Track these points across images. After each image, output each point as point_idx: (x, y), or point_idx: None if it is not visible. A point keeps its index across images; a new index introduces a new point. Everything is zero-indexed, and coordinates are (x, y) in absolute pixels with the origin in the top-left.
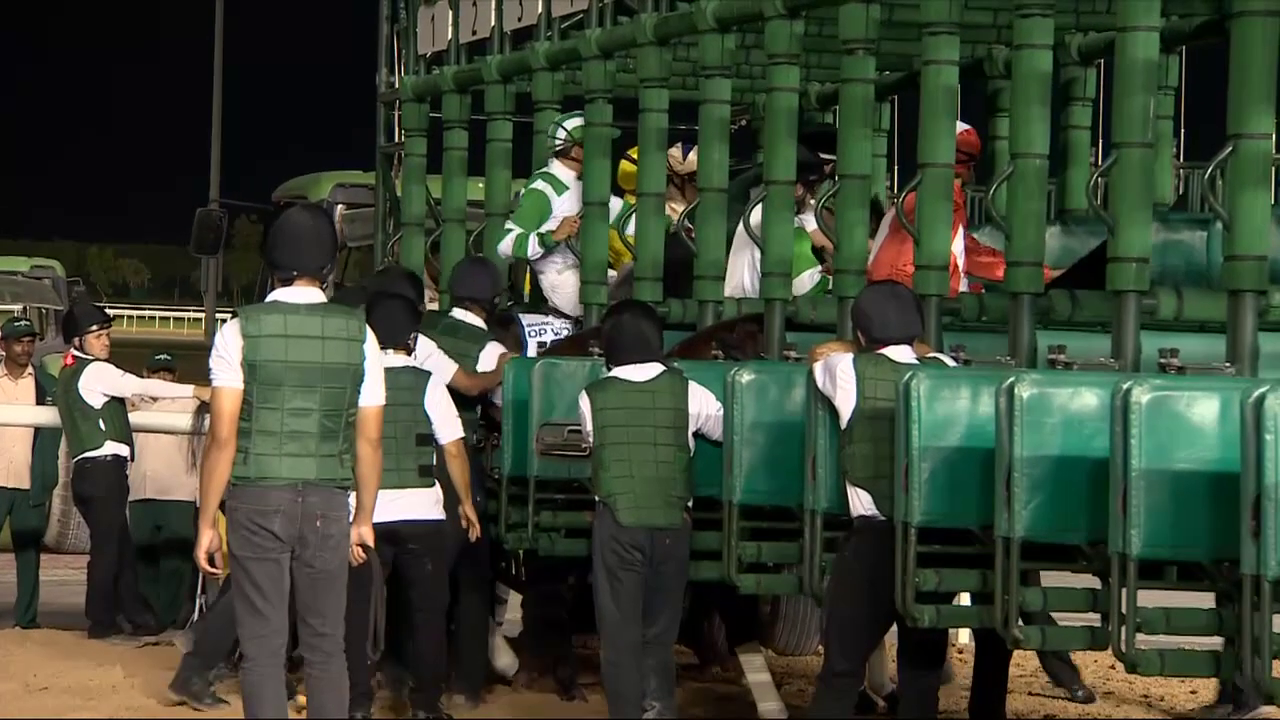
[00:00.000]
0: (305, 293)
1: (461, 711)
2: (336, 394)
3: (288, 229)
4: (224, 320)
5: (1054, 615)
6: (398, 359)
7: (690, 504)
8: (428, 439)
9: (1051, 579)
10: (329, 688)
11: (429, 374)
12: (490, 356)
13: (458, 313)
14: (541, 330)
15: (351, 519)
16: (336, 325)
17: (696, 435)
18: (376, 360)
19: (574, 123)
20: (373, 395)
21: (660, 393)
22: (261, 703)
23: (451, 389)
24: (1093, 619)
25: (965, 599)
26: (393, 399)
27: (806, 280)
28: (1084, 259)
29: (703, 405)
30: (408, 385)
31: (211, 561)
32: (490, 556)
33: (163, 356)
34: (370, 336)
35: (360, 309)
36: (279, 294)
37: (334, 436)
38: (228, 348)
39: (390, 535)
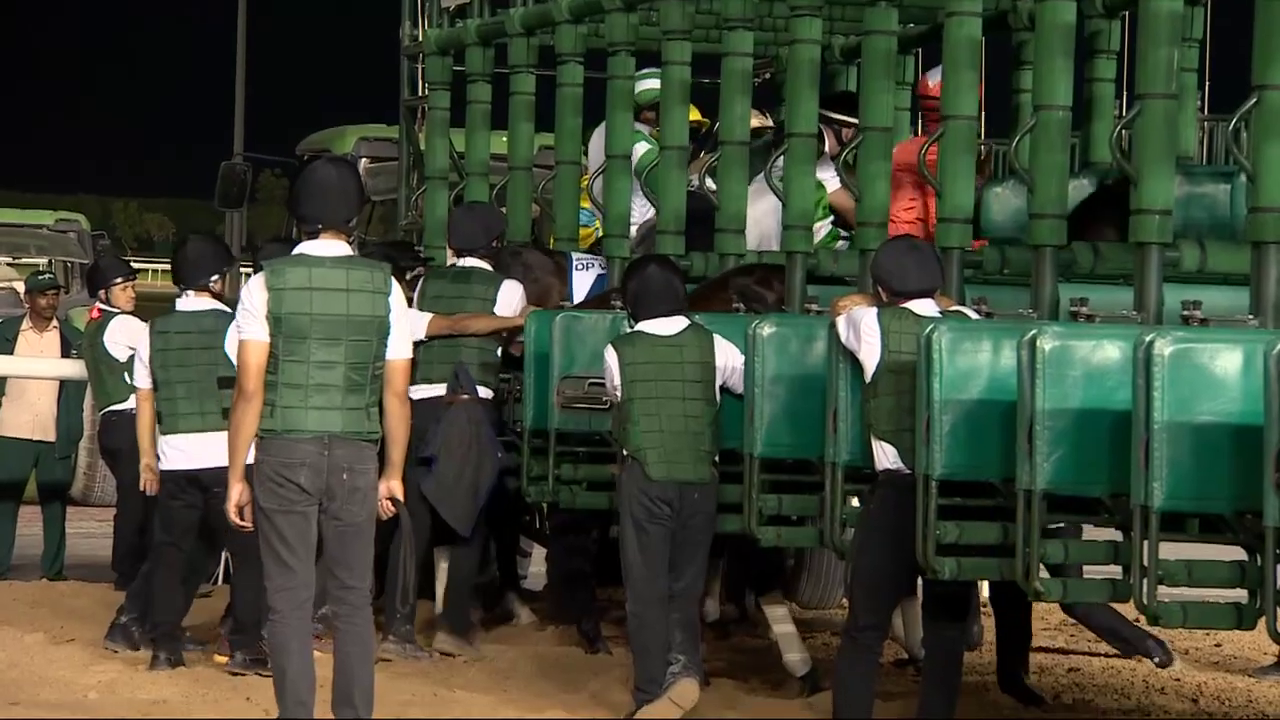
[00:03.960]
0: (331, 245)
1: (447, 647)
2: (362, 346)
3: (313, 182)
4: (248, 274)
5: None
6: (200, 301)
7: (717, 458)
8: (230, 381)
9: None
10: (355, 641)
11: (232, 316)
12: (508, 294)
13: (465, 261)
14: (589, 264)
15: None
16: (361, 278)
17: (721, 389)
18: (403, 313)
19: (643, 85)
20: (400, 348)
21: (688, 347)
22: (288, 655)
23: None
24: (1114, 571)
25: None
26: (193, 342)
27: (817, 231)
28: (1082, 205)
29: (728, 358)
30: (209, 329)
31: (242, 515)
32: (504, 510)
33: None
34: (396, 289)
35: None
36: (304, 247)
37: (360, 389)
38: (253, 301)
39: (195, 480)
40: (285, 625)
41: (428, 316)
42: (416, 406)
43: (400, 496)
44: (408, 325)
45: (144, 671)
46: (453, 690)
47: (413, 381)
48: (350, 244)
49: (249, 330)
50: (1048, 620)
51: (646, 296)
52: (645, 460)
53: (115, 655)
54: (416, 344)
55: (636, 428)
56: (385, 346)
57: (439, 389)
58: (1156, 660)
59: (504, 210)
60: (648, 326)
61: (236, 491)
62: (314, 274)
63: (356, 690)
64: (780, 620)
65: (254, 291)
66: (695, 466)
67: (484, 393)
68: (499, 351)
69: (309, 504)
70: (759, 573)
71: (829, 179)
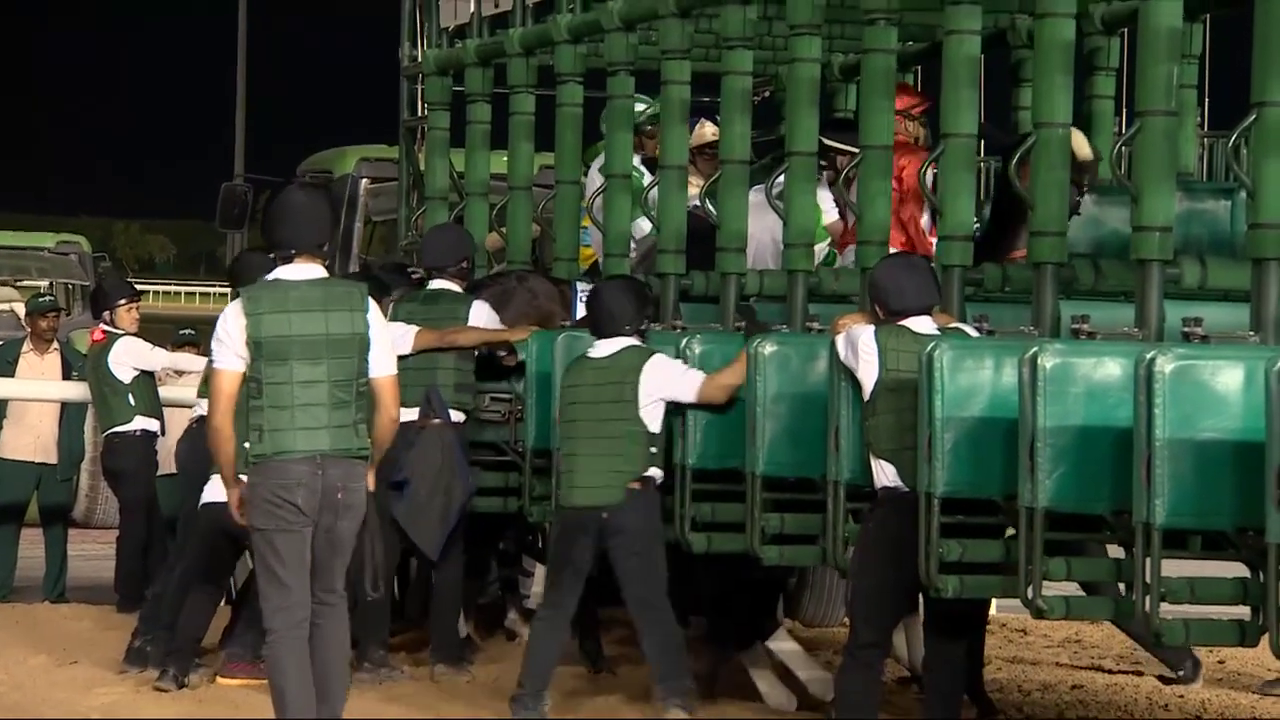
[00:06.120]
0: (306, 269)
1: (446, 677)
2: (344, 364)
3: (286, 208)
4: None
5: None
6: None
7: (649, 474)
8: None
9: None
10: (332, 639)
11: None
12: (477, 314)
13: (435, 283)
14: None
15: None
16: (338, 296)
17: (677, 406)
18: (382, 329)
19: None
20: (384, 365)
21: (612, 369)
22: (285, 674)
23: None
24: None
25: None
26: None
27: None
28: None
29: (663, 378)
30: None
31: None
32: (501, 530)
33: (187, 331)
34: (374, 306)
35: (363, 283)
36: (280, 271)
37: (346, 406)
38: (229, 331)
39: None
40: (282, 644)
41: (414, 330)
42: None
43: (372, 488)
44: (389, 341)
45: (146, 693)
46: (455, 709)
47: None
48: (325, 266)
49: (222, 360)
50: (1050, 637)
51: (596, 318)
52: (562, 485)
53: (117, 678)
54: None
55: (561, 451)
56: (367, 363)
57: (410, 413)
58: (1184, 673)
59: (503, 230)
60: (592, 349)
61: (234, 495)
62: (291, 296)
63: (333, 685)
64: (772, 658)
65: (230, 319)
66: (606, 490)
67: (456, 416)
68: (473, 372)
69: (306, 524)
70: (739, 626)
71: (824, 200)
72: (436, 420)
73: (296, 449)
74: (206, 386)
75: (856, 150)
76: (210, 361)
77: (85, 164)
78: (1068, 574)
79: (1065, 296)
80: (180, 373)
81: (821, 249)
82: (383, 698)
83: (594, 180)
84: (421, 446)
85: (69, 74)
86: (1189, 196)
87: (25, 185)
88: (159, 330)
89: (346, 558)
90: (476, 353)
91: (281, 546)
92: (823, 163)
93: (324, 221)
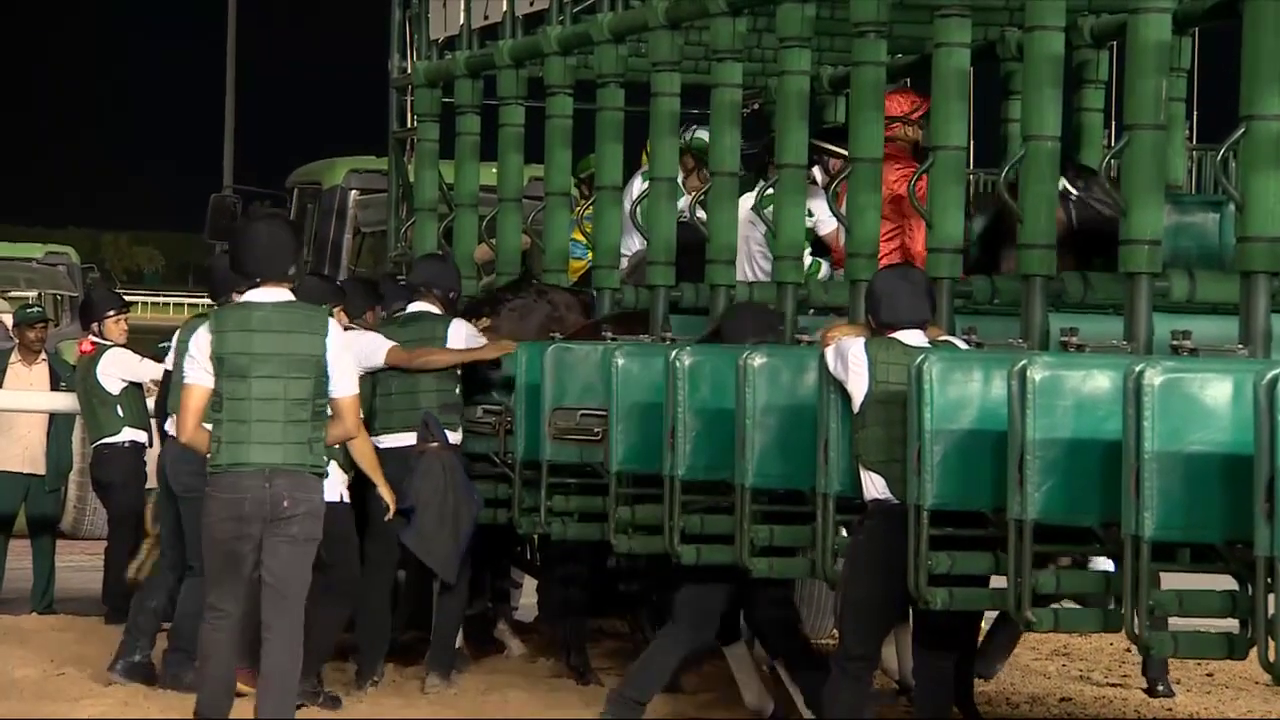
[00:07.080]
0: (273, 293)
1: (436, 690)
2: (301, 383)
3: (250, 241)
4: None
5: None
6: None
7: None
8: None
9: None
10: (281, 652)
11: None
12: (456, 332)
13: (415, 305)
14: None
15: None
16: (300, 319)
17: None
18: (341, 351)
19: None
20: (343, 386)
21: None
22: (208, 658)
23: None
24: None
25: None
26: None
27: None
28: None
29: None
30: None
31: None
32: (493, 542)
33: (166, 344)
34: (334, 329)
35: (324, 305)
36: (248, 295)
37: (301, 424)
38: (199, 345)
39: None
40: (214, 637)
41: (389, 345)
42: (385, 456)
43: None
44: (350, 363)
45: (136, 704)
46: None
47: (375, 431)
48: (292, 290)
49: (191, 375)
50: (1039, 650)
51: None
52: None
53: (105, 690)
54: (372, 374)
55: None
56: (325, 384)
57: (404, 437)
58: (1160, 689)
59: (493, 242)
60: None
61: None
62: (255, 317)
63: (267, 706)
64: (740, 664)
65: (199, 336)
66: None
67: (453, 438)
68: (458, 390)
69: (251, 538)
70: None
71: (819, 208)
72: (434, 444)
73: (250, 462)
74: (166, 403)
75: (847, 153)
76: (182, 377)
77: (73, 175)
78: (1056, 587)
79: (1054, 309)
80: None
81: (807, 261)
82: (380, 708)
83: (636, 187)
84: (423, 471)
85: (58, 85)
86: (1178, 210)
87: (12, 196)
88: (147, 341)
89: (299, 570)
90: (459, 370)
91: (224, 553)
92: (814, 167)
93: (287, 250)
